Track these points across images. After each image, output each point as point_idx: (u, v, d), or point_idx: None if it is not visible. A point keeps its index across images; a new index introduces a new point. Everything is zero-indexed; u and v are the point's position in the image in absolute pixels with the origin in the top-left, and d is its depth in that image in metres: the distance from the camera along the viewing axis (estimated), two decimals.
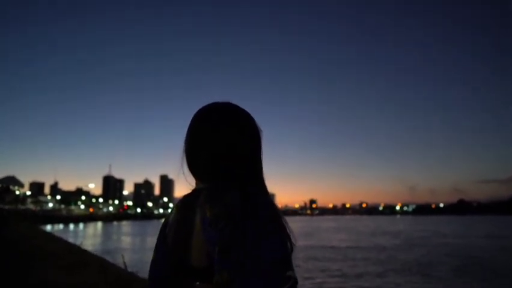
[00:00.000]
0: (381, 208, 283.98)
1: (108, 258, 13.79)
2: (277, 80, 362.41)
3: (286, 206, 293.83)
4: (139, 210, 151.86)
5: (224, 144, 0.88)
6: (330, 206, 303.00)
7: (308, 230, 47.50)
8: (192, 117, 0.97)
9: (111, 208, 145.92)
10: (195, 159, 0.92)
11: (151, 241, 6.24)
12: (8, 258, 9.44)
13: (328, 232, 43.90)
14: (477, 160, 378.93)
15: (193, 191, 0.92)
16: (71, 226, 65.57)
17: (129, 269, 9.53)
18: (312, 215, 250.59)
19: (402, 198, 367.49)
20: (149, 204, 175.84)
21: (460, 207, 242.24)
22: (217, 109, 0.94)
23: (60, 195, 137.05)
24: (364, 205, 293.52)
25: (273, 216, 0.77)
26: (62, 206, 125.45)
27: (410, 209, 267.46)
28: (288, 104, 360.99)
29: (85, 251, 13.83)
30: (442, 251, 22.50)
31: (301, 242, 26.73)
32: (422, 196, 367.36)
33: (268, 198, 0.84)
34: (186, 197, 0.93)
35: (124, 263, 10.36)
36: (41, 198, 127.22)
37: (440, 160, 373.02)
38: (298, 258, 18.27)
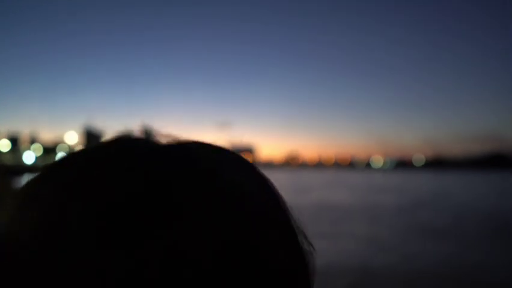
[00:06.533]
0: (359, 163, 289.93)
1: None
2: (254, 33, 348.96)
3: (269, 162, 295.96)
4: None
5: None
6: (310, 159, 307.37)
7: (301, 185, 46.36)
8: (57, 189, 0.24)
9: None
10: None
11: None
12: None
13: (324, 188, 42.77)
14: (451, 115, 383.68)
15: None
16: None
17: None
18: (292, 169, 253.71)
19: (375, 152, 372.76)
20: None
21: (436, 164, 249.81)
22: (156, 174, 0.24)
23: (38, 145, 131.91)
24: (345, 159, 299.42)
25: None
26: (40, 157, 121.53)
27: (389, 164, 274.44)
28: (268, 61, 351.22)
29: None
30: (462, 211, 21.05)
31: (302, 199, 25.12)
32: (396, 151, 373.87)
33: None
34: None
35: None
36: (18, 149, 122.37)
37: (413, 114, 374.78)
38: (312, 217, 16.46)
